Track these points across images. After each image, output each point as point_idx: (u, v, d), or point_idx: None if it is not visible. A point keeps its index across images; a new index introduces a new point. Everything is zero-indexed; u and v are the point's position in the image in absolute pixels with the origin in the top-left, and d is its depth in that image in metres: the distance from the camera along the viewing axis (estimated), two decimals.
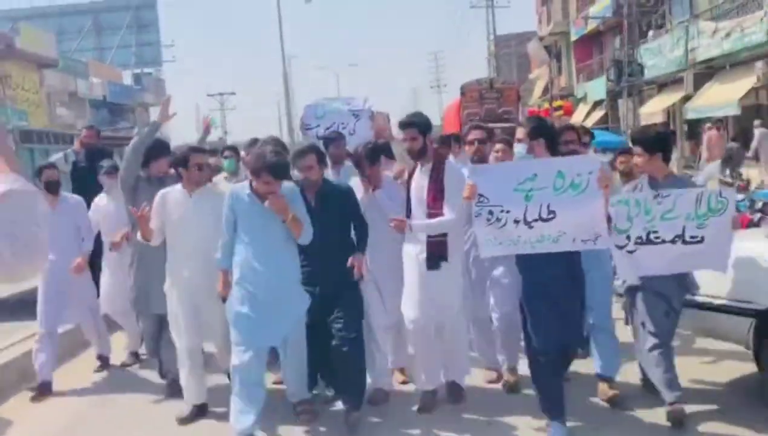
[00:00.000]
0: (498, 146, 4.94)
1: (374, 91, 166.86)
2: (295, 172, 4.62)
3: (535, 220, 3.71)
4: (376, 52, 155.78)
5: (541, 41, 37.10)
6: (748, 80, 16.77)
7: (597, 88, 28.71)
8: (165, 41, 53.81)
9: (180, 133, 56.53)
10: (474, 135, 4.89)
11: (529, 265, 3.93)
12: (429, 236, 4.50)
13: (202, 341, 4.70)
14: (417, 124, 4.50)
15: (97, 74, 38.42)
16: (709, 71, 19.32)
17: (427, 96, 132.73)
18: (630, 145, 4.67)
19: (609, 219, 3.76)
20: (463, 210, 4.35)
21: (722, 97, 17.75)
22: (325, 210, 4.41)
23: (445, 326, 4.57)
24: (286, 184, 4.21)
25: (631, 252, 3.80)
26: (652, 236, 3.76)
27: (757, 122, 14.72)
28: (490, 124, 22.66)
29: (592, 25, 28.60)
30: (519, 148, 4.35)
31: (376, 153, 4.88)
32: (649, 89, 23.81)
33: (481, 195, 3.78)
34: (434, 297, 4.48)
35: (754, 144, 13.66)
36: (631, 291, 4.16)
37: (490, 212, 3.77)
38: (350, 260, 4.35)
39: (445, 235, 4.45)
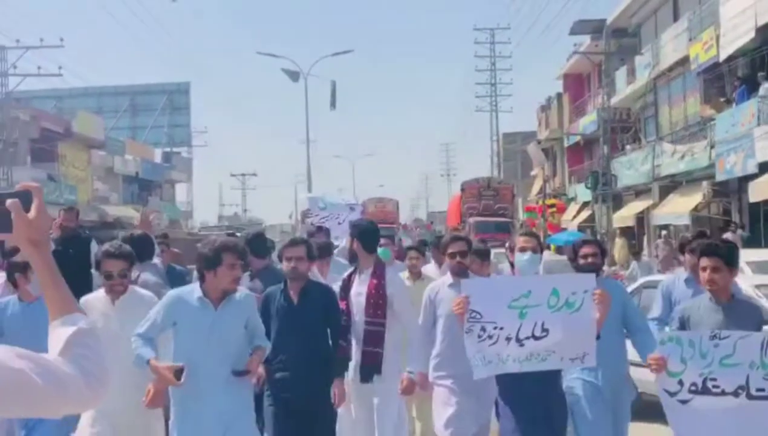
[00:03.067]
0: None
1: (387, 180, 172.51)
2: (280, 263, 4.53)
3: (528, 338, 3.59)
4: (390, 142, 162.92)
5: (540, 144, 40.53)
6: (697, 196, 19.73)
7: (585, 191, 31.83)
8: (198, 126, 56.88)
9: (204, 212, 59.78)
10: (454, 247, 4.47)
11: (511, 388, 3.86)
12: (364, 346, 4.43)
13: None
14: (354, 227, 4.73)
15: (131, 152, 41.53)
16: (671, 184, 22.33)
17: (437, 183, 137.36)
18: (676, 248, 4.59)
19: (598, 336, 3.67)
20: (415, 320, 4.44)
21: (679, 208, 20.69)
22: (307, 309, 4.15)
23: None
24: (241, 291, 3.82)
25: (684, 402, 3.29)
26: (709, 384, 3.24)
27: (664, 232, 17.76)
28: (487, 218, 25.92)
29: (582, 133, 32.02)
30: (526, 256, 4.02)
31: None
32: (627, 195, 26.84)
33: (473, 310, 3.61)
34: (365, 413, 4.44)
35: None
36: None
37: (483, 329, 3.61)
38: (332, 389, 4.18)
39: (381, 346, 4.41)
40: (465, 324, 3.65)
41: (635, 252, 17.85)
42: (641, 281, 9.20)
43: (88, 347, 1.47)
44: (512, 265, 4.30)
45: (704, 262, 3.77)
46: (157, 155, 48.03)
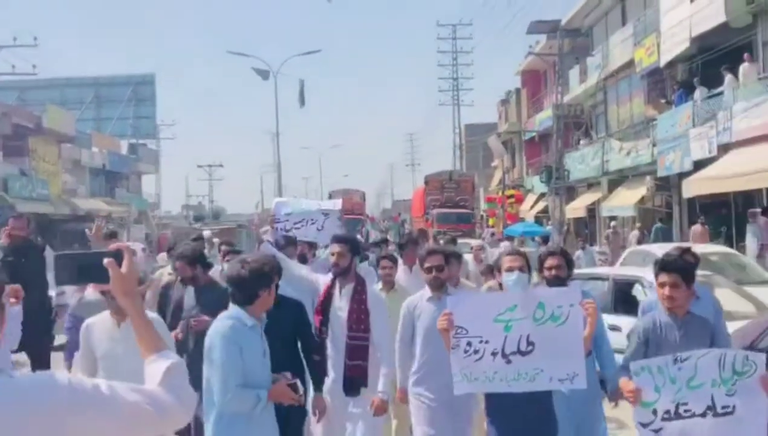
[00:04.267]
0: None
1: (353, 170, 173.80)
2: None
3: (514, 353, 3.55)
4: (356, 134, 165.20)
5: (500, 137, 42.06)
6: (641, 189, 21.33)
7: (541, 183, 33.42)
8: (167, 119, 56.92)
9: (171, 203, 60.09)
10: (430, 262, 4.45)
11: (499, 408, 3.79)
12: (348, 360, 4.42)
13: None
14: (349, 241, 4.70)
15: (98, 144, 41.60)
16: (619, 178, 23.94)
17: (402, 173, 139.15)
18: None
19: (588, 354, 3.66)
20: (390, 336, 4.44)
21: (626, 200, 22.29)
22: (278, 324, 3.85)
23: None
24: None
25: (656, 431, 3.29)
26: (681, 410, 3.25)
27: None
28: (449, 210, 27.52)
29: (539, 128, 33.57)
30: (514, 276, 3.93)
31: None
32: (580, 187, 28.45)
33: (458, 326, 3.59)
34: (351, 426, 4.40)
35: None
36: None
37: (468, 344, 3.58)
38: (313, 410, 4.14)
39: (365, 359, 4.43)
40: (451, 340, 3.61)
41: (583, 240, 19.32)
42: (586, 271, 10.14)
43: (179, 378, 1.76)
44: (500, 285, 4.25)
45: (662, 278, 3.70)
46: (124, 147, 47.97)
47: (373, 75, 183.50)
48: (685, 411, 3.25)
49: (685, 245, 14.00)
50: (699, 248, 12.13)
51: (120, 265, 1.86)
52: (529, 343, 3.56)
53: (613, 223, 21.88)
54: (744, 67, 15.53)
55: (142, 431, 1.68)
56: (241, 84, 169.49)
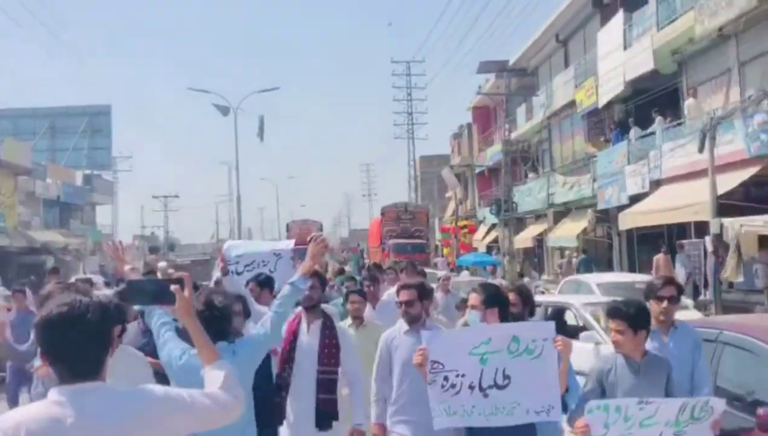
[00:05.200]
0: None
1: (310, 199, 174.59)
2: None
3: (491, 386, 3.58)
4: (313, 165, 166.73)
5: (453, 169, 43.47)
6: (584, 221, 22.69)
7: (491, 215, 34.78)
8: (124, 151, 56.37)
9: (126, 234, 59.81)
10: (402, 297, 4.50)
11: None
12: (319, 394, 4.49)
13: None
14: (317, 276, 4.71)
15: (53, 175, 41.35)
16: (564, 210, 25.31)
17: (358, 203, 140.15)
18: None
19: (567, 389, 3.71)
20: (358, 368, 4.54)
21: (570, 232, 23.62)
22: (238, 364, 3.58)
23: None
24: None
25: None
26: None
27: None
28: (405, 240, 28.47)
29: (489, 162, 35.01)
30: (473, 316, 4.02)
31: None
32: (528, 219, 29.82)
33: (435, 361, 3.63)
34: None
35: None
36: None
37: (446, 378, 3.62)
38: None
39: (335, 392, 4.50)
40: (428, 376, 3.63)
41: (521, 274, 20.45)
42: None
43: (234, 382, 2.27)
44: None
45: (611, 324, 3.88)
46: (78, 178, 47.56)
47: (330, 109, 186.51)
48: None
49: (629, 275, 15.23)
50: (628, 278, 13.38)
51: (182, 290, 2.41)
52: (506, 376, 3.58)
53: (567, 252, 23.14)
54: (689, 103, 16.41)
55: (212, 423, 2.20)
56: (198, 117, 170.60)
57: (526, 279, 19.75)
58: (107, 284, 18.00)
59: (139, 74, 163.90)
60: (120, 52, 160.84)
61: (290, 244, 6.78)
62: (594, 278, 12.23)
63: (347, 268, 21.27)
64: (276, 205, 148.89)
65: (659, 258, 16.06)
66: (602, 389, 3.81)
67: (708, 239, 13.11)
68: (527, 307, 4.55)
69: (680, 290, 4.50)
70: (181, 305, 2.44)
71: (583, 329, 8.11)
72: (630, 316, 3.79)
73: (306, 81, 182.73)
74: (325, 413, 4.48)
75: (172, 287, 2.44)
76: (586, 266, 19.43)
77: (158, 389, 2.21)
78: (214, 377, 2.29)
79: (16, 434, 1.91)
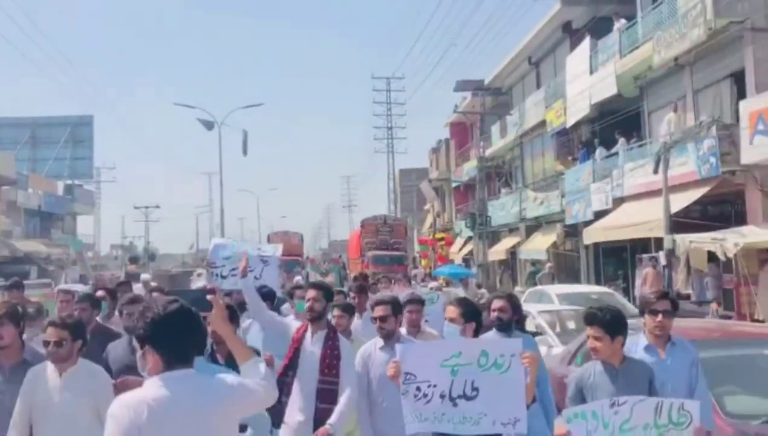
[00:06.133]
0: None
1: (290, 210, 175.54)
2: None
3: (460, 396, 3.73)
4: (294, 176, 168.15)
5: (431, 183, 44.55)
6: (553, 235, 23.77)
7: (467, 228, 35.84)
8: (107, 162, 56.49)
9: (106, 245, 59.89)
10: (376, 312, 4.68)
11: None
12: (318, 403, 4.60)
13: None
14: (323, 287, 4.94)
15: (34, 185, 41.77)
16: (535, 224, 26.40)
17: (339, 214, 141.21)
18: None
19: (534, 399, 3.80)
20: (359, 383, 4.61)
21: (540, 245, 24.70)
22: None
23: None
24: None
25: None
26: None
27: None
28: (384, 252, 29.39)
29: (465, 177, 36.12)
30: (451, 329, 4.21)
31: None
32: (502, 232, 30.90)
33: (407, 373, 3.80)
34: None
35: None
36: None
37: (418, 388, 3.79)
38: None
39: (335, 402, 4.57)
40: (401, 387, 3.79)
41: (478, 285, 21.26)
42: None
43: (271, 374, 2.73)
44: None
45: (589, 331, 3.96)
46: (59, 188, 48.13)
47: (312, 123, 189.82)
48: None
49: (586, 286, 16.21)
50: (585, 288, 14.38)
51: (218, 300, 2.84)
52: (474, 388, 3.71)
53: (549, 264, 24.07)
54: (670, 117, 16.52)
55: (259, 407, 2.77)
56: (181, 129, 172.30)
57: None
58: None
59: (123, 87, 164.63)
60: (104, 64, 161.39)
61: (278, 249, 6.69)
62: (554, 289, 13.25)
63: (329, 278, 22.04)
64: (256, 216, 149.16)
65: (648, 272, 15.57)
66: (582, 396, 3.90)
67: (662, 254, 14.15)
68: (516, 314, 4.81)
69: (675, 305, 4.45)
70: (216, 312, 2.82)
71: (538, 333, 9.05)
72: (606, 322, 3.86)
73: (289, 96, 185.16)
74: (323, 421, 4.53)
75: (209, 297, 2.82)
76: (532, 279, 20.35)
77: (231, 377, 2.69)
78: (256, 370, 2.69)
79: (140, 411, 2.38)
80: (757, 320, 12.21)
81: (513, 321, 4.82)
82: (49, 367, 3.88)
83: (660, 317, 4.21)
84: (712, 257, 13.41)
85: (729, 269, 13.22)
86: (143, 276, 18.73)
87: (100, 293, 6.61)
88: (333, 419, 4.51)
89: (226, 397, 2.53)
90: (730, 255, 11.86)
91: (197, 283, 17.63)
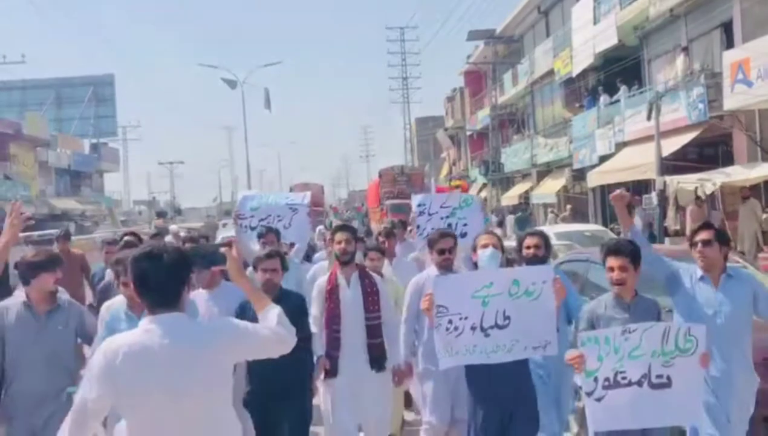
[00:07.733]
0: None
1: (309, 162, 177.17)
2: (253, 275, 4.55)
3: (491, 326, 3.76)
4: (313, 129, 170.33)
5: (447, 131, 45.52)
6: (562, 180, 24.97)
7: (481, 175, 37.05)
8: (132, 121, 57.49)
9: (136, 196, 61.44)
10: (443, 244, 4.78)
11: (477, 380, 3.98)
12: (369, 339, 4.74)
13: None
14: (350, 229, 5.01)
15: (62, 145, 42.83)
16: (546, 170, 27.58)
17: (356, 164, 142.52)
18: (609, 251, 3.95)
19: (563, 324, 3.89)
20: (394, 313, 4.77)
21: (550, 189, 25.95)
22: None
23: (370, 423, 4.78)
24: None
25: (599, 400, 3.51)
26: (619, 377, 3.47)
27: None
28: (402, 201, 30.71)
29: (479, 125, 37.15)
30: (493, 251, 4.30)
31: None
32: (516, 178, 32.11)
33: (440, 305, 3.80)
34: (368, 398, 4.70)
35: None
36: None
37: (450, 321, 3.79)
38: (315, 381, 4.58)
39: (382, 336, 4.76)
40: (434, 320, 3.82)
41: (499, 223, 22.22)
42: None
43: (286, 319, 2.63)
44: (475, 264, 4.49)
45: (611, 261, 3.85)
46: (86, 147, 49.33)
47: (329, 77, 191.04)
48: (623, 378, 3.46)
49: (581, 225, 17.52)
50: (580, 227, 15.65)
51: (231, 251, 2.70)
52: (506, 317, 3.75)
53: (569, 206, 25.13)
54: (680, 61, 16.95)
55: (271, 352, 2.64)
56: (201, 86, 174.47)
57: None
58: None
59: (147, 48, 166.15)
60: (128, 25, 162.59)
61: (306, 196, 6.81)
62: (552, 229, 14.57)
63: (354, 224, 23.40)
64: (277, 169, 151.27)
65: (693, 210, 14.92)
66: (593, 329, 3.89)
67: (654, 194, 15.41)
68: (548, 251, 4.97)
69: (721, 235, 4.30)
70: (231, 265, 2.73)
71: None
72: (630, 251, 3.84)
73: (306, 53, 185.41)
74: (378, 356, 4.75)
75: (223, 249, 2.73)
76: (522, 225, 21.01)
77: (229, 321, 2.69)
78: (269, 316, 2.64)
79: (115, 356, 2.38)
80: (741, 252, 13.50)
81: (547, 257, 4.98)
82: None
83: (699, 246, 4.17)
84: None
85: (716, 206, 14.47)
86: (172, 227, 19.69)
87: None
88: (398, 358, 4.79)
89: (215, 340, 2.49)
90: (708, 193, 13.11)
91: (224, 233, 18.83)
